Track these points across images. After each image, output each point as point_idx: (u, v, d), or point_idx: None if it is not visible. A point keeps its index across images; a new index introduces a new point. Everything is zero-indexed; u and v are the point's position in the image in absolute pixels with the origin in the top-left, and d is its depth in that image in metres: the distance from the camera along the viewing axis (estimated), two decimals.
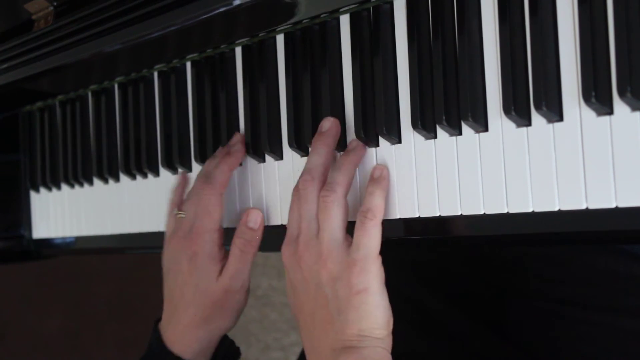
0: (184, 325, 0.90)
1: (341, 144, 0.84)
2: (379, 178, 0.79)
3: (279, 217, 0.90)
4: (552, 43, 0.68)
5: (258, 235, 0.89)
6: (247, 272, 0.90)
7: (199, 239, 0.89)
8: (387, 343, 0.77)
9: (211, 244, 0.89)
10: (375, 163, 0.81)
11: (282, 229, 0.85)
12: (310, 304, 0.79)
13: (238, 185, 0.95)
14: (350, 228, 0.79)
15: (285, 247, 0.82)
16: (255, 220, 0.89)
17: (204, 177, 0.91)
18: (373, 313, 0.76)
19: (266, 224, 0.90)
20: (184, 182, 0.99)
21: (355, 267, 0.76)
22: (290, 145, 0.88)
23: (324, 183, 0.80)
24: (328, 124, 0.83)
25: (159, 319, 0.93)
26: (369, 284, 0.76)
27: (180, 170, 1.03)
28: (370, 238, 0.76)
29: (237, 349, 0.95)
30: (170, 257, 0.92)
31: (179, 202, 0.97)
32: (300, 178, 0.81)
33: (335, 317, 0.77)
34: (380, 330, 0.76)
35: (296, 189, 0.82)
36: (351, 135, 0.83)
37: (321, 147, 0.82)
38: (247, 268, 0.89)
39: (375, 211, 0.77)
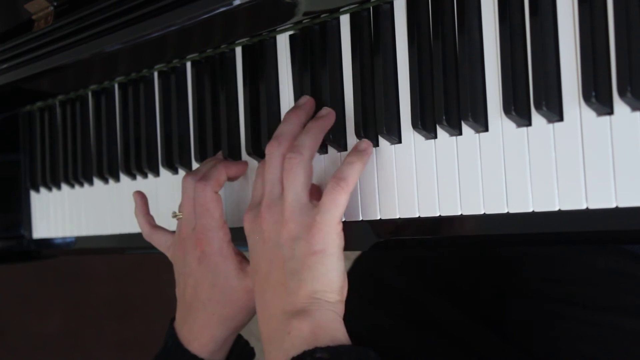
0: (200, 324, 0.89)
1: (341, 144, 0.84)
2: (364, 151, 0.80)
3: None
4: (552, 43, 0.68)
5: None
6: None
7: (204, 239, 0.88)
8: (339, 308, 0.77)
9: (218, 242, 0.88)
10: (375, 162, 0.81)
11: None
12: (265, 265, 0.79)
13: (238, 186, 0.95)
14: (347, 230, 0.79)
15: (247, 213, 0.82)
16: None
17: (196, 176, 0.90)
18: (327, 275, 0.76)
19: None
20: (142, 201, 0.98)
21: (315, 228, 0.76)
22: None
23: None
24: (304, 100, 0.85)
25: (173, 318, 0.93)
26: (326, 246, 0.76)
27: (180, 170, 1.02)
28: (337, 205, 0.77)
29: (252, 349, 0.94)
30: (179, 261, 0.91)
31: (150, 219, 0.96)
32: (267, 144, 0.82)
33: (289, 277, 0.77)
34: (333, 294, 0.76)
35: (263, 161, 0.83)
36: (351, 135, 0.83)
37: (293, 117, 0.83)
38: None
39: (349, 181, 0.78)
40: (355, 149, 0.80)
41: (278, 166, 0.80)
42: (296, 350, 0.74)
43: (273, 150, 0.81)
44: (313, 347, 0.73)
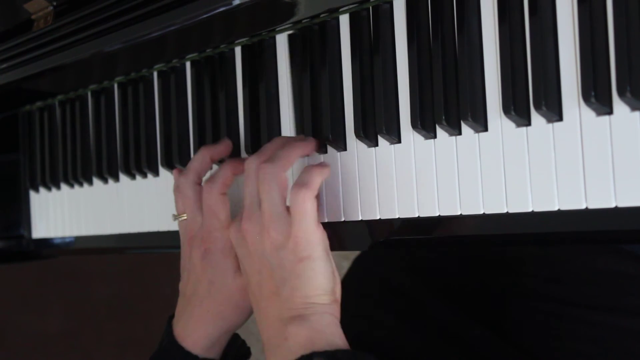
0: (195, 320, 0.90)
1: (340, 144, 0.84)
2: (324, 164, 0.83)
3: None
4: (552, 43, 0.68)
5: None
6: None
7: (210, 237, 0.89)
8: (335, 309, 0.78)
9: (222, 241, 0.89)
10: (374, 162, 0.81)
11: None
12: (255, 277, 0.81)
13: (237, 185, 0.95)
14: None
15: (231, 226, 0.84)
16: None
17: (189, 176, 0.91)
18: (317, 279, 0.77)
19: None
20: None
21: (295, 238, 0.77)
22: None
23: None
24: (306, 138, 0.86)
25: (172, 315, 0.93)
26: (311, 251, 0.77)
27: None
28: (306, 212, 0.78)
29: (248, 349, 0.95)
30: (185, 257, 0.93)
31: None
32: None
33: (281, 286, 0.78)
34: (326, 296, 0.77)
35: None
36: (351, 135, 0.83)
37: (282, 138, 0.85)
38: None
39: (310, 185, 0.79)
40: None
41: (254, 178, 0.82)
42: (294, 356, 0.74)
43: (249, 164, 0.83)
44: (310, 351, 0.74)
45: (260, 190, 0.80)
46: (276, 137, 0.87)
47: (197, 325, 0.90)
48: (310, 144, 0.85)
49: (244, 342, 0.94)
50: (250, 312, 0.90)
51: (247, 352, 0.95)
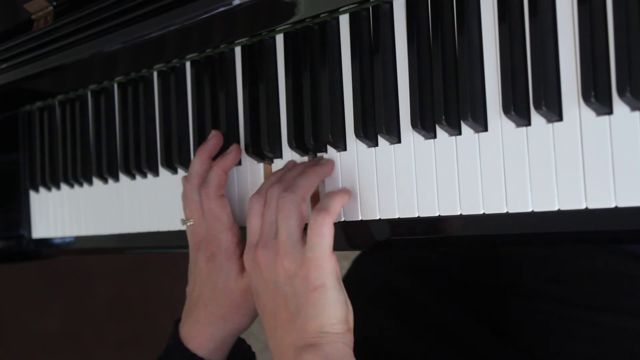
0: (201, 323, 0.90)
1: (341, 145, 0.84)
2: (345, 190, 0.82)
3: None
4: (552, 43, 0.68)
5: None
6: None
7: (214, 241, 0.90)
8: (348, 338, 0.78)
9: (227, 243, 0.90)
10: (374, 162, 0.81)
11: None
12: (270, 305, 0.81)
13: (237, 185, 0.95)
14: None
15: (246, 254, 0.84)
16: None
17: (195, 181, 0.91)
18: (331, 308, 0.77)
19: None
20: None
21: (309, 265, 0.78)
22: (290, 145, 0.88)
23: None
24: (324, 161, 0.86)
25: (179, 319, 0.94)
26: (325, 280, 0.77)
27: (180, 170, 1.02)
28: (324, 237, 0.78)
29: (253, 354, 0.96)
30: (192, 260, 0.93)
31: None
32: (265, 183, 0.84)
33: (295, 315, 0.78)
34: (339, 325, 0.77)
35: (255, 194, 0.85)
36: (351, 135, 0.83)
37: (299, 166, 0.85)
38: None
39: (330, 210, 0.79)
40: (338, 189, 0.83)
41: (275, 206, 0.82)
42: None
43: (273, 191, 0.82)
44: None
45: (279, 218, 0.81)
46: (298, 164, 0.87)
47: (202, 328, 0.90)
48: (328, 167, 0.85)
49: (249, 347, 0.95)
50: (254, 316, 0.91)
51: (252, 357, 0.95)
